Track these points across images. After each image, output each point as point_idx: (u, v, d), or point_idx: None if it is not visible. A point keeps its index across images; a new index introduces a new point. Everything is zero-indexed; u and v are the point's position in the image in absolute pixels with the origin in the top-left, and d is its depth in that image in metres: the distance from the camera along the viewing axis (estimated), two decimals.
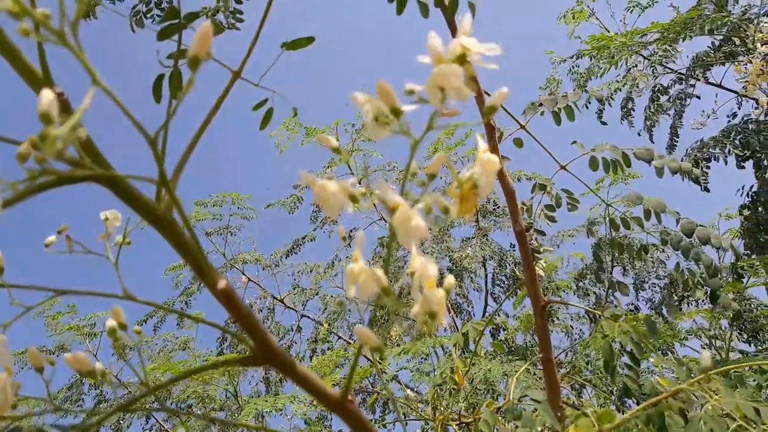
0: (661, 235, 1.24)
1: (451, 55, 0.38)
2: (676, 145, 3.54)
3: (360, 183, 0.48)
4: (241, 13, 1.53)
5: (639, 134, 3.70)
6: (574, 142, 1.21)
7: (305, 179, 0.44)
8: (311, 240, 5.21)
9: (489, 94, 1.20)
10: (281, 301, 4.73)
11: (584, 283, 4.18)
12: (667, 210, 1.19)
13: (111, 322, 0.52)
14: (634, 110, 3.63)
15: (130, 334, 0.58)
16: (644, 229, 1.27)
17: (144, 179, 0.41)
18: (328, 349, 4.60)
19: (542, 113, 1.21)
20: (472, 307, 4.98)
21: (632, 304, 4.15)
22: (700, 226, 1.17)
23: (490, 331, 4.47)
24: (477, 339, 1.17)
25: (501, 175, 1.13)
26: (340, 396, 0.53)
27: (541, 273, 1.20)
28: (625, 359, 1.01)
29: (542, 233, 1.30)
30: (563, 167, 1.23)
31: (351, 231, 5.20)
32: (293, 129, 4.63)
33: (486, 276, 4.85)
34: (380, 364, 3.41)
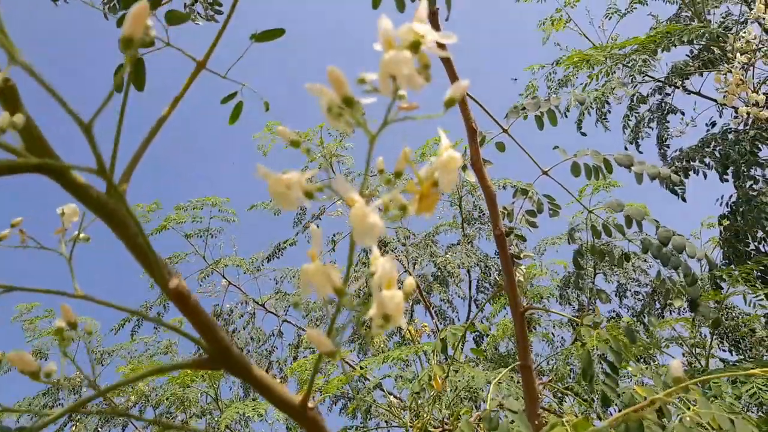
0: (642, 242, 1.23)
1: (402, 42, 0.36)
2: (666, 155, 3.55)
3: (321, 177, 0.46)
4: (220, 4, 1.50)
5: (626, 148, 3.71)
6: (556, 147, 1.20)
7: (260, 172, 0.42)
8: (292, 244, 5.16)
9: (473, 98, 1.19)
10: (262, 305, 4.68)
11: (567, 291, 4.19)
12: (647, 218, 1.18)
13: (59, 322, 0.49)
14: (609, 112, 3.64)
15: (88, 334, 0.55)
16: (625, 236, 1.26)
17: (84, 169, 0.38)
18: (311, 354, 4.56)
19: (525, 117, 1.20)
20: (457, 313, 4.97)
21: (614, 311, 4.16)
22: (677, 235, 1.16)
23: (473, 338, 4.46)
24: (456, 344, 1.15)
25: (482, 179, 1.12)
26: (300, 403, 0.50)
27: (521, 279, 1.18)
28: (605, 367, 0.99)
29: (523, 238, 1.29)
30: (545, 173, 1.22)
31: (335, 235, 5.17)
32: (275, 132, 4.61)
33: (470, 282, 4.85)
34: (362, 369, 3.38)
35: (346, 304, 0.40)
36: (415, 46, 0.36)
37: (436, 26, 1.07)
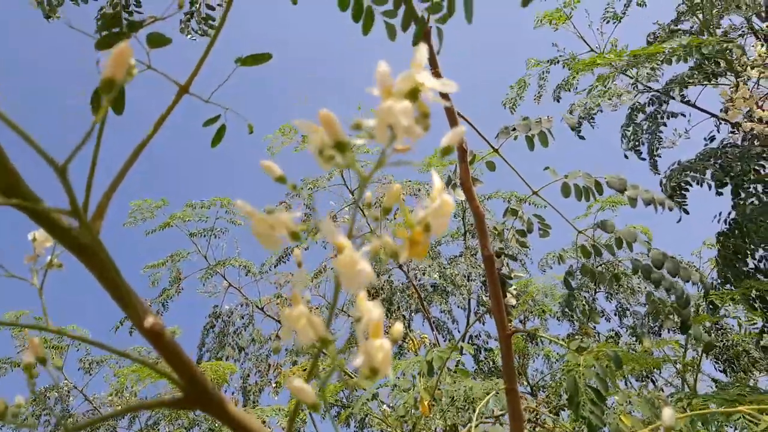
0: (633, 264, 1.23)
1: (400, 91, 0.35)
2: (656, 164, 3.52)
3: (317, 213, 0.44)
4: (213, 19, 1.49)
5: (626, 156, 3.68)
6: (547, 168, 1.20)
7: (243, 210, 0.41)
8: (305, 249, 5.12)
9: (463, 117, 1.18)
10: (261, 309, 4.66)
11: (567, 309, 4.14)
12: (639, 240, 1.17)
13: (27, 357, 0.48)
14: (595, 116, 3.62)
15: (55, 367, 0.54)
16: (615, 256, 1.25)
17: (56, 211, 0.37)
18: (308, 360, 4.52)
19: (515, 138, 1.19)
20: (456, 324, 4.95)
21: (613, 330, 4.15)
22: (670, 257, 1.16)
23: (472, 353, 4.45)
24: (441, 367, 1.14)
25: (471, 199, 1.11)
26: None
27: (512, 301, 1.17)
28: (591, 394, 0.98)
29: (514, 258, 1.28)
30: (535, 192, 1.21)
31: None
32: (288, 134, 4.61)
33: (469, 294, 4.83)
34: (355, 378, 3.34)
35: (330, 354, 0.39)
36: (413, 95, 0.35)
37: (433, 63, 1.05)
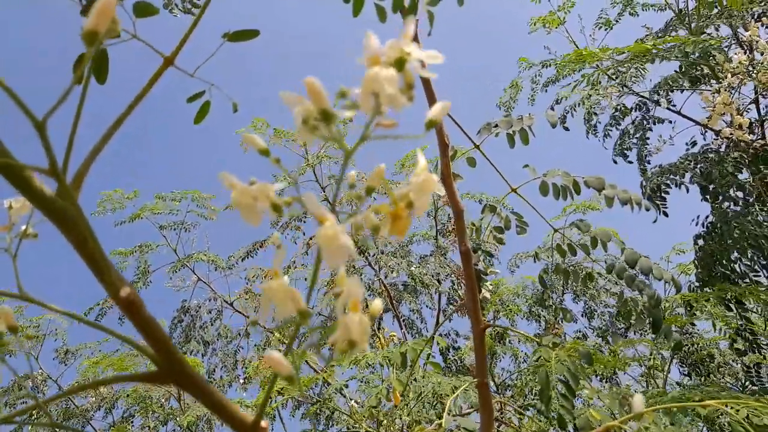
0: (607, 263, 1.25)
1: (387, 59, 0.35)
2: (646, 170, 3.56)
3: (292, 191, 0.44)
4: None
5: (614, 161, 3.72)
6: (526, 165, 1.21)
7: (226, 181, 0.40)
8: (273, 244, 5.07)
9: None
10: (230, 304, 4.61)
11: (536, 309, 4.21)
12: (613, 240, 1.19)
13: None
14: (599, 122, 3.66)
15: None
16: (590, 256, 1.27)
17: (35, 168, 0.36)
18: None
19: (497, 135, 1.20)
20: (425, 323, 4.97)
21: (580, 331, 4.21)
22: (644, 257, 1.18)
23: (440, 350, 4.47)
24: (415, 359, 1.14)
25: (450, 194, 1.11)
26: (252, 422, 0.49)
27: (488, 295, 1.18)
28: (561, 389, 0.99)
29: (490, 254, 1.29)
30: (514, 190, 1.22)
31: (310, 239, 5.11)
32: (261, 129, 4.55)
33: (439, 294, 4.85)
34: (326, 373, 3.34)
35: (308, 327, 0.39)
36: (399, 64, 0.35)
37: (416, 40, 1.06)
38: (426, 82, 1.05)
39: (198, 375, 0.49)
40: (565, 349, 1.12)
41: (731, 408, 0.85)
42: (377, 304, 0.42)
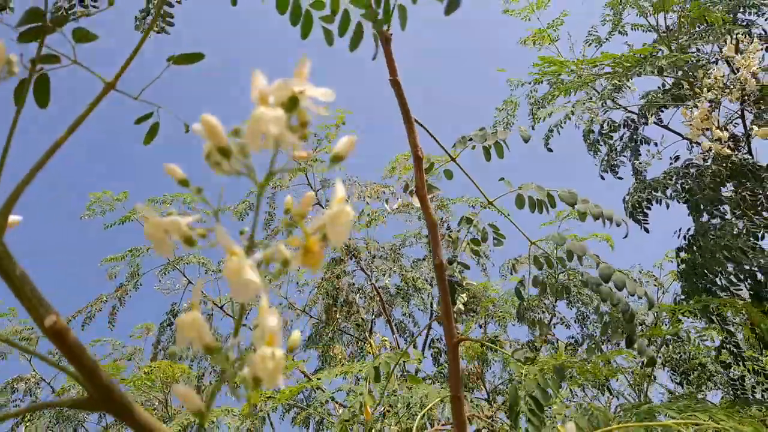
0: (583, 278, 1.25)
1: (276, 99, 0.35)
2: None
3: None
4: (172, 16, 1.47)
5: (602, 177, 3.73)
6: (502, 179, 1.21)
7: (140, 213, 0.40)
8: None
9: (420, 124, 1.19)
10: (221, 307, 4.61)
11: (529, 315, 4.19)
12: (588, 253, 1.19)
13: None
14: (597, 142, 3.66)
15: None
16: (566, 268, 1.27)
17: None
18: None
19: (473, 147, 1.20)
20: (418, 327, 4.96)
21: (573, 338, 4.20)
22: (618, 271, 1.18)
23: (431, 355, 4.46)
24: (389, 372, 1.14)
25: (425, 207, 1.11)
26: None
27: (461, 307, 1.18)
28: (531, 405, 0.99)
29: (466, 266, 1.29)
30: (491, 203, 1.22)
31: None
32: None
33: (431, 298, 4.85)
34: (317, 380, 3.34)
35: (218, 362, 0.39)
36: (291, 104, 0.35)
37: (388, 54, 1.06)
38: (401, 98, 1.05)
39: (128, 401, 0.49)
40: (539, 364, 1.12)
41: (693, 429, 0.85)
42: (296, 335, 0.42)
